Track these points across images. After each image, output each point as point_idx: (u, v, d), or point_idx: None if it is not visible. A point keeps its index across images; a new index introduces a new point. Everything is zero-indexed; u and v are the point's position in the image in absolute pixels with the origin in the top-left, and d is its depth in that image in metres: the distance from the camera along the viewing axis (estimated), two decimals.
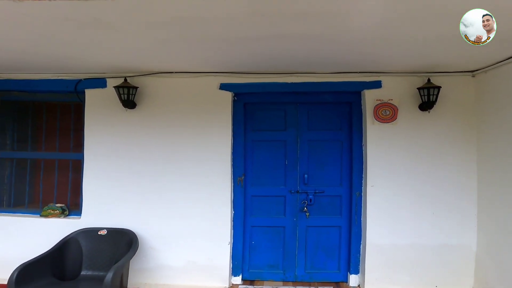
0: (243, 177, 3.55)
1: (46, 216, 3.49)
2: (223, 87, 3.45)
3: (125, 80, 3.34)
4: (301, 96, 3.57)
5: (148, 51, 2.77)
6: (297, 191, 3.59)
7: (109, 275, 2.69)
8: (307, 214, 3.55)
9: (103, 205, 3.47)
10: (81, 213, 3.52)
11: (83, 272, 3.22)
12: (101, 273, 3.21)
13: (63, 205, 3.57)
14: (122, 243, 3.29)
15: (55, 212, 3.49)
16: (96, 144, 3.48)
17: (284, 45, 2.55)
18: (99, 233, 3.34)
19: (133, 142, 3.47)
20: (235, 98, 3.54)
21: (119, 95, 3.30)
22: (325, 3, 1.82)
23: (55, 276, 3.04)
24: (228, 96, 3.46)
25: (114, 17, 2.05)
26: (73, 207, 3.65)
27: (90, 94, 3.50)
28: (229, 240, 3.44)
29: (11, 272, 3.27)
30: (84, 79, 3.49)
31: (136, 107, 3.45)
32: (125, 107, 3.37)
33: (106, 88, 3.48)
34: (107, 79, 3.48)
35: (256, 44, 2.53)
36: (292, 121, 3.63)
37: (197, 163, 3.45)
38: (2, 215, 3.55)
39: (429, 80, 3.24)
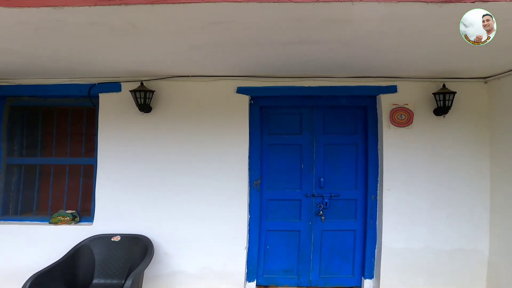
0: (259, 181, 3.53)
1: (55, 223, 3.37)
2: (240, 90, 3.43)
3: (142, 84, 3.28)
4: (317, 100, 3.58)
5: (173, 56, 2.74)
6: (313, 195, 3.59)
7: (128, 283, 2.62)
8: (323, 218, 3.55)
9: (116, 210, 3.38)
10: (93, 219, 3.42)
11: (95, 281, 3.13)
12: (114, 281, 3.14)
13: (74, 211, 3.46)
14: (137, 250, 3.21)
15: (65, 218, 3.39)
16: (110, 148, 3.40)
17: (312, 49, 2.54)
18: (112, 239, 3.25)
19: (147, 146, 3.41)
20: (252, 102, 3.51)
21: (136, 99, 3.24)
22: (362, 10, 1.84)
23: (66, 285, 2.93)
24: (245, 99, 3.44)
25: (151, 22, 2.02)
26: (84, 213, 3.54)
27: (104, 99, 3.42)
28: (246, 245, 3.41)
29: (22, 282, 3.19)
30: (98, 83, 3.41)
31: (152, 111, 3.39)
32: (141, 111, 3.31)
33: (120, 92, 3.42)
34: (121, 83, 3.41)
35: (285, 49, 2.52)
36: (307, 125, 3.63)
37: (214, 167, 3.40)
38: (9, 223, 3.40)
39: (444, 85, 3.29)
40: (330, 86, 3.48)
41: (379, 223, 3.47)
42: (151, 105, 3.35)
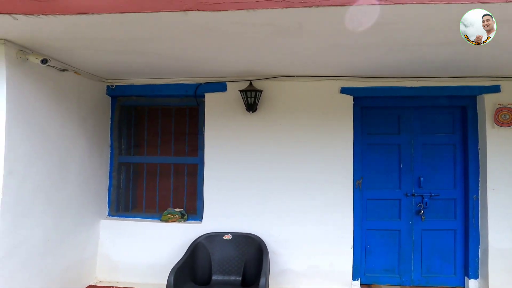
0: (361, 180, 3.55)
1: (166, 220, 3.45)
2: (344, 91, 3.46)
3: (251, 84, 3.34)
4: (416, 100, 3.59)
5: (298, 56, 2.78)
6: (413, 194, 3.60)
7: (263, 281, 2.68)
8: (423, 217, 3.56)
9: (223, 209, 3.45)
10: (199, 217, 3.50)
11: (214, 277, 3.19)
12: (232, 278, 3.20)
13: (182, 209, 3.53)
14: (249, 248, 3.27)
15: (175, 216, 3.46)
16: (216, 148, 3.47)
17: (442, 50, 2.58)
18: (224, 237, 3.31)
19: (252, 146, 3.46)
20: (353, 102, 3.54)
21: (246, 98, 3.29)
22: None
23: (191, 280, 3.02)
24: (348, 99, 3.47)
25: (319, 23, 2.06)
26: (190, 211, 3.62)
27: (210, 98, 3.49)
28: (351, 244, 3.43)
29: (137, 275, 3.33)
30: (204, 83, 3.48)
31: (257, 110, 3.44)
32: (248, 111, 3.36)
33: (225, 92, 3.48)
34: (226, 82, 3.48)
35: (415, 50, 2.57)
36: (406, 125, 3.65)
37: (318, 167, 3.44)
38: (123, 219, 3.53)
39: None
40: (432, 87, 3.49)
41: (482, 223, 3.46)
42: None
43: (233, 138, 3.47)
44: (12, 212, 2.36)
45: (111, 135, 3.60)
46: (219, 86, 3.48)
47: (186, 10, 1.87)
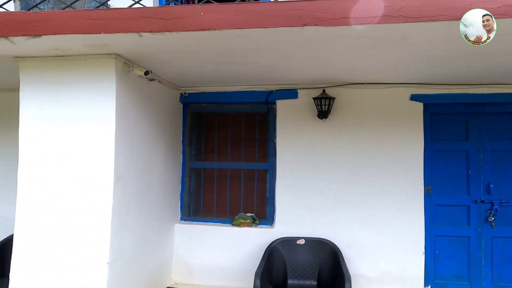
0: (430, 186, 3.56)
1: (238, 225, 3.55)
2: (414, 98, 3.50)
3: (324, 91, 3.41)
4: (484, 106, 3.58)
5: (384, 64, 2.84)
6: (482, 201, 3.57)
7: (348, 286, 2.73)
8: (493, 224, 3.53)
9: (294, 214, 3.53)
10: (269, 222, 3.60)
11: (289, 281, 3.27)
12: (307, 282, 3.27)
13: (253, 214, 3.63)
14: (322, 253, 3.33)
15: (246, 221, 3.56)
16: (288, 154, 3.56)
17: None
18: (297, 242, 3.38)
19: (324, 152, 3.54)
20: (423, 109, 3.56)
21: (319, 106, 3.37)
22: None
23: (269, 283, 3.09)
24: (418, 106, 3.50)
25: (419, 36, 2.11)
26: (260, 216, 3.70)
27: (281, 105, 3.59)
28: (423, 250, 3.44)
29: (211, 277, 3.47)
30: (276, 90, 3.57)
31: (328, 117, 3.50)
32: (321, 118, 3.44)
33: (296, 99, 3.57)
34: (298, 90, 3.56)
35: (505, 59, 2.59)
36: (474, 132, 3.63)
37: (389, 173, 3.48)
38: (196, 224, 3.66)
39: None
40: (501, 93, 3.48)
41: None
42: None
43: (305, 145, 3.55)
44: (118, 217, 2.50)
45: (183, 141, 3.74)
46: (291, 93, 3.57)
47: (304, 25, 1.94)
